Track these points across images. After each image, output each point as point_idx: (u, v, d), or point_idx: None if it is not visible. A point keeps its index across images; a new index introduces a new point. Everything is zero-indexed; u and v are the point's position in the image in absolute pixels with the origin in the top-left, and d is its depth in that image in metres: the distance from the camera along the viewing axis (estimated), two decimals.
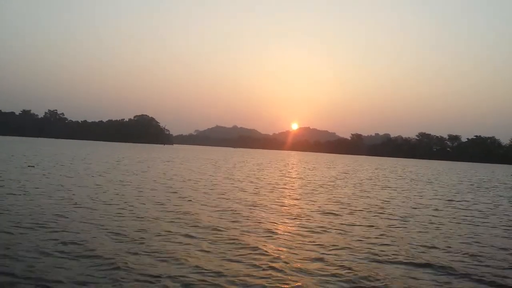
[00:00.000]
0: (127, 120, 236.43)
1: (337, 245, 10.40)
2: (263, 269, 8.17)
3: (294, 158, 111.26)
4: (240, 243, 10.10)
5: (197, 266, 8.11)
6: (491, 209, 19.72)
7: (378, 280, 7.84)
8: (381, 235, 12.01)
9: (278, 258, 8.99)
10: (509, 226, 14.76)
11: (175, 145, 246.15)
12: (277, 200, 18.74)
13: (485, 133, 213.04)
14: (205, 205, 16.05)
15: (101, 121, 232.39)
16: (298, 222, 13.42)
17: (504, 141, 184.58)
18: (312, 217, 14.61)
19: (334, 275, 8.03)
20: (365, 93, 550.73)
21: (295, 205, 17.59)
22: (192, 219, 12.95)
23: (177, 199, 17.37)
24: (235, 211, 14.96)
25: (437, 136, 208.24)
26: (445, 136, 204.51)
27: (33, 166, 27.40)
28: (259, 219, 13.63)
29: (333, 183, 30.57)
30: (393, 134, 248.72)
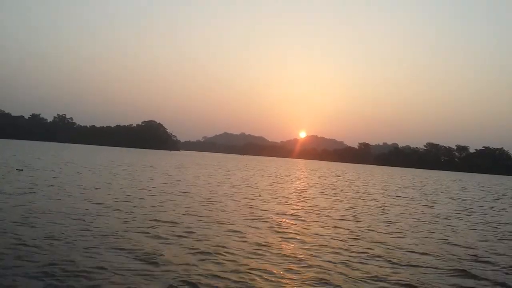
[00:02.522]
0: (135, 125, 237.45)
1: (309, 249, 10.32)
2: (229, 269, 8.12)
3: (299, 166, 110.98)
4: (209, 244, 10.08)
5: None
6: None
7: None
8: (353, 238, 11.91)
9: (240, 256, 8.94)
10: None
11: (182, 151, 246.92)
12: (258, 205, 18.69)
13: (494, 144, 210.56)
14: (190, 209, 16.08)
15: (109, 126, 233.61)
16: (269, 225, 13.37)
17: None
18: (287, 222, 14.54)
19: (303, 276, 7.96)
20: (374, 102, 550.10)
21: (277, 210, 17.52)
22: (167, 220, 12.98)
23: (161, 202, 17.44)
24: (210, 214, 14.97)
25: (445, 147, 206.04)
26: (453, 146, 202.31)
27: (22, 170, 27.59)
28: (233, 221, 13.59)
29: (331, 191, 30.44)
30: (401, 143, 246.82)
